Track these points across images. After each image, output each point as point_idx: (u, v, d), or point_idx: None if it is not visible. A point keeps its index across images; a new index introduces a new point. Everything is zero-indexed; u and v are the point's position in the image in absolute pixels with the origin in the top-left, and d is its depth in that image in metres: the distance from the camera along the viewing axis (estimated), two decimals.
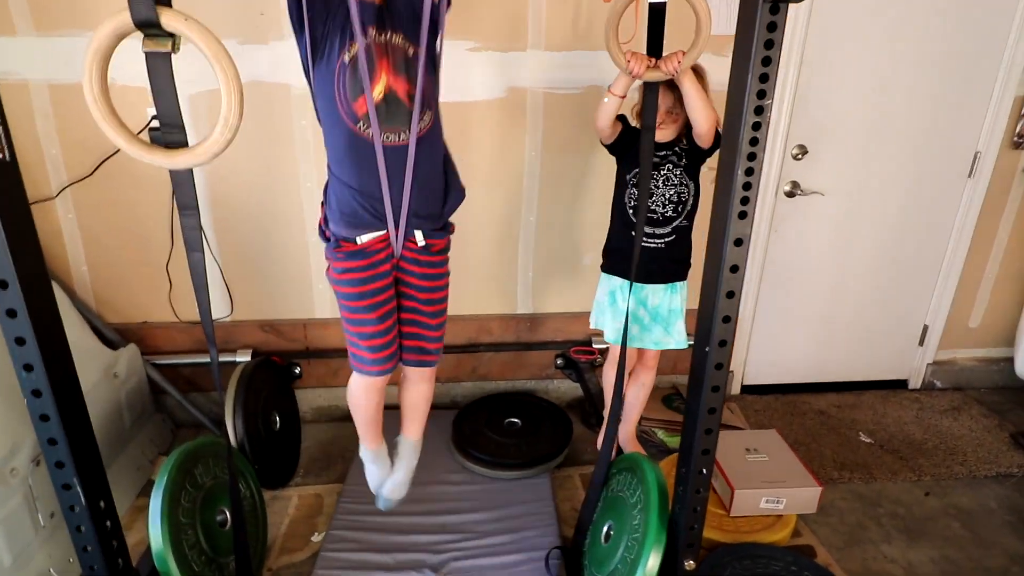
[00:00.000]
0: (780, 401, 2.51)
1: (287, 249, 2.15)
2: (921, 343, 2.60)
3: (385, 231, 1.34)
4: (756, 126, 0.95)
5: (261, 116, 1.97)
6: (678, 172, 1.69)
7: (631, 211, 1.71)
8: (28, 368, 1.03)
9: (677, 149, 1.69)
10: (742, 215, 1.01)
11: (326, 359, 2.27)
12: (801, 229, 2.35)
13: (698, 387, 1.15)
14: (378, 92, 1.22)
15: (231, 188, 2.05)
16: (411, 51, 1.25)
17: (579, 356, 2.30)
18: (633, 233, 1.56)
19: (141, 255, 2.08)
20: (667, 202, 1.70)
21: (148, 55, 0.88)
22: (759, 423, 2.34)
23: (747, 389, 2.57)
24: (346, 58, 1.20)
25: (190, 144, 0.94)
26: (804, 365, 2.58)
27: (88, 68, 0.84)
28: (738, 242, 1.03)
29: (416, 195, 1.31)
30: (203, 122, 1.91)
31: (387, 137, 1.25)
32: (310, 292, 2.21)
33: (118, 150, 1.89)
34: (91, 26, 1.81)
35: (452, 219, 1.46)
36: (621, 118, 1.69)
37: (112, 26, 0.83)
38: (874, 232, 2.39)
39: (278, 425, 2.02)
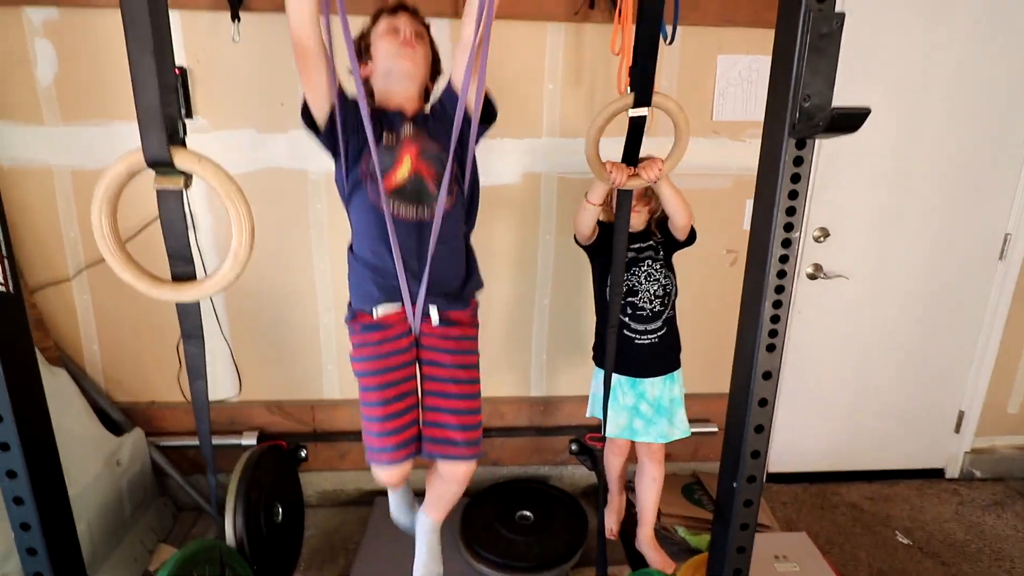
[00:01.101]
0: (809, 492, 2.37)
1: (298, 330, 2.12)
2: (957, 430, 2.46)
3: (402, 305, 1.32)
4: (784, 259, 0.90)
5: (278, 200, 1.98)
6: (658, 266, 1.70)
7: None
8: (11, 475, 0.97)
9: (653, 242, 1.72)
10: (770, 348, 0.95)
11: (333, 442, 2.21)
12: (825, 312, 2.27)
13: (725, 525, 1.06)
14: (402, 173, 1.27)
15: (245, 270, 2.04)
16: (442, 153, 1.31)
17: (594, 443, 2.20)
18: (623, 331, 1.63)
19: (152, 335, 2.07)
20: (653, 297, 1.70)
21: (160, 192, 0.87)
22: (787, 518, 2.20)
23: (773, 477, 2.44)
24: (382, 153, 1.28)
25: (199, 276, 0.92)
26: (833, 452, 2.45)
27: (98, 205, 0.83)
28: (767, 375, 0.97)
29: (435, 271, 1.31)
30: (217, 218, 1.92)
31: (406, 213, 1.28)
32: (319, 373, 2.17)
33: (134, 235, 1.92)
34: (114, 116, 1.85)
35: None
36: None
37: (124, 165, 0.82)
38: (902, 315, 2.30)
39: (280, 517, 1.94)
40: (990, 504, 2.32)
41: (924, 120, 2.10)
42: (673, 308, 1.75)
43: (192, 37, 1.81)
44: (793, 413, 2.37)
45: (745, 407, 1.00)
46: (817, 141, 2.00)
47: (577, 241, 1.74)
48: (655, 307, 1.71)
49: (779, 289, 0.92)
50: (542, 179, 2.03)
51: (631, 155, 1.47)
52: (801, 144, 0.84)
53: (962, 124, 2.11)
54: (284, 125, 1.90)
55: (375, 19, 1.38)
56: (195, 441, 2.14)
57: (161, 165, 0.83)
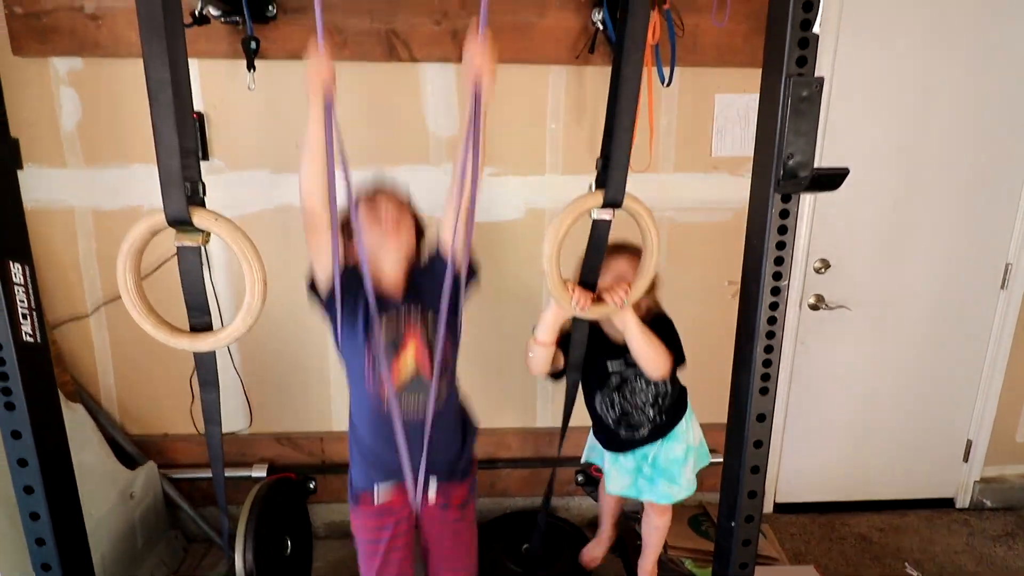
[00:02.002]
0: (817, 522, 2.36)
1: (307, 361, 2.16)
2: (966, 459, 2.45)
3: (402, 482, 1.36)
4: (774, 306, 0.94)
5: (289, 237, 2.03)
6: (644, 383, 1.57)
7: (612, 421, 1.63)
8: (34, 517, 1.02)
9: (630, 357, 1.51)
10: (763, 391, 0.98)
11: (342, 473, 2.23)
12: (829, 342, 2.28)
13: (725, 564, 1.08)
14: (404, 370, 1.28)
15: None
16: (431, 317, 1.31)
17: (600, 474, 2.22)
18: (620, 435, 1.55)
19: (166, 368, 2.12)
20: (645, 406, 1.60)
21: (179, 248, 0.92)
22: (796, 550, 2.19)
23: (781, 508, 2.43)
24: (382, 339, 1.26)
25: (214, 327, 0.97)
26: (841, 481, 2.44)
27: (123, 262, 0.88)
28: (760, 417, 0.99)
29: (433, 457, 1.33)
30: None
31: (408, 406, 1.29)
32: (328, 404, 2.21)
33: (151, 272, 1.98)
34: (133, 159, 1.93)
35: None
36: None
37: (147, 225, 0.88)
38: (905, 344, 2.31)
39: (289, 549, 1.97)
40: (1001, 535, 2.30)
41: (923, 151, 2.13)
42: (671, 396, 1.63)
43: (209, 84, 1.89)
44: (800, 443, 2.37)
45: (740, 448, 1.02)
46: (820, 153, 2.05)
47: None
48: (649, 414, 1.61)
49: (770, 335, 0.95)
50: (545, 214, 2.08)
51: (592, 267, 1.24)
52: (786, 198, 0.89)
53: (961, 155, 2.14)
54: (296, 166, 1.97)
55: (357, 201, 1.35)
56: (206, 474, 2.18)
57: (181, 224, 0.88)
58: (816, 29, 0.85)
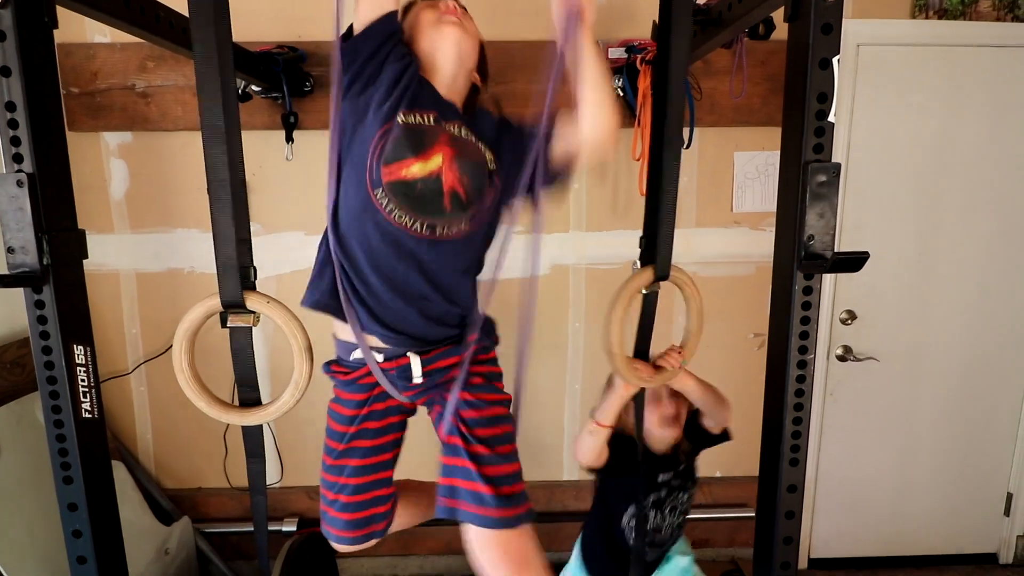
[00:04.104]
0: None
1: None
2: (1007, 513, 2.37)
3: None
4: (801, 379, 0.96)
5: None
6: (686, 497, 1.49)
7: (635, 541, 1.44)
8: None
9: (683, 468, 1.47)
10: (793, 462, 0.99)
11: None
12: (859, 393, 2.26)
13: None
14: (419, 169, 0.99)
15: (288, 359, 2.16)
16: (489, 163, 1.07)
17: None
18: (631, 554, 1.40)
19: (201, 424, 2.16)
20: (675, 527, 1.51)
21: (232, 329, 0.98)
22: None
23: (816, 563, 2.37)
24: (400, 119, 1.00)
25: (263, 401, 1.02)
26: (879, 536, 2.38)
27: (179, 344, 0.94)
28: (791, 488, 1.00)
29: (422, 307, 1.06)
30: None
31: (404, 221, 1.01)
32: None
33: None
34: (177, 224, 2.03)
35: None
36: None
37: (203, 309, 0.94)
38: (938, 396, 2.27)
39: None
40: None
41: (945, 200, 2.14)
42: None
43: (250, 153, 1.96)
44: (835, 495, 2.33)
45: (772, 520, 1.03)
46: (841, 207, 2.05)
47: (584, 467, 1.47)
48: (675, 533, 1.52)
49: (798, 407, 0.97)
50: (570, 270, 2.12)
51: (645, 339, 1.26)
52: (809, 276, 0.92)
53: (983, 203, 2.14)
54: None
55: None
56: (237, 528, 2.21)
57: (235, 308, 0.94)
58: (831, 118, 0.89)
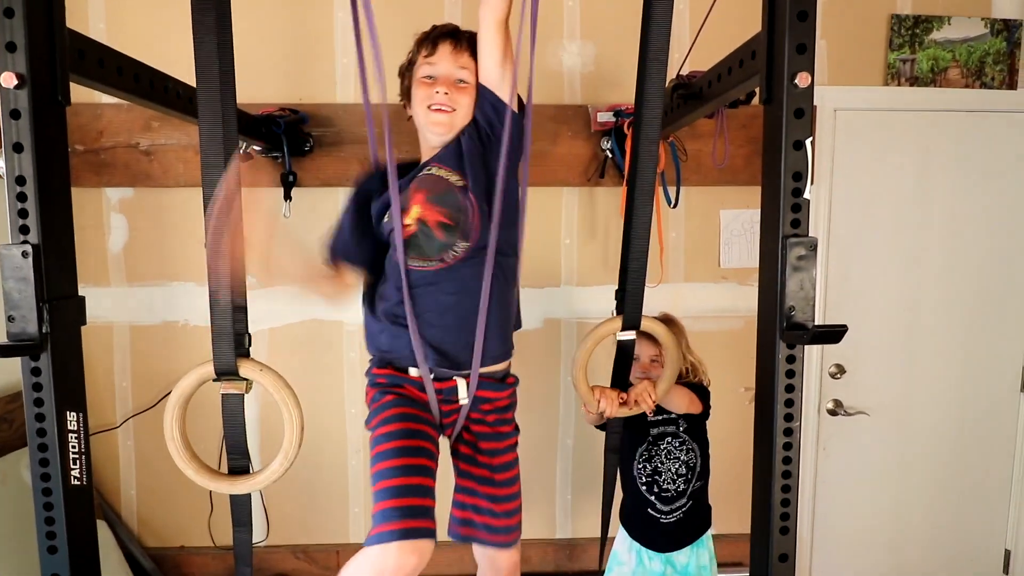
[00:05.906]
0: None
1: (326, 472, 2.18)
2: (1006, 570, 2.34)
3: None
4: (787, 446, 0.97)
5: (314, 348, 2.12)
6: (679, 442, 1.65)
7: (644, 487, 1.67)
8: None
9: (672, 414, 1.65)
10: (784, 530, 0.99)
11: None
12: (851, 447, 2.26)
13: None
14: (411, 223, 1.16)
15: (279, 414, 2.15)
16: (456, 183, 1.18)
17: None
18: (649, 510, 1.60)
19: (187, 480, 2.14)
20: (676, 476, 1.66)
21: (224, 395, 0.99)
22: None
23: None
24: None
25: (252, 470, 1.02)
26: None
27: (171, 412, 0.95)
28: (783, 558, 1.00)
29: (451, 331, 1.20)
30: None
31: (413, 263, 1.18)
32: (345, 515, 2.20)
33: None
34: (172, 277, 2.05)
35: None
36: None
37: (196, 376, 0.95)
38: (930, 450, 2.28)
39: None
40: None
41: (927, 254, 2.19)
42: (703, 478, 1.70)
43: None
44: (830, 550, 2.30)
45: None
46: (826, 261, 2.10)
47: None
48: (679, 486, 1.66)
49: (786, 475, 0.98)
50: (562, 324, 2.15)
51: (621, 379, 1.42)
52: (791, 346, 0.94)
53: (967, 257, 2.19)
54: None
55: (418, 47, 1.21)
56: None
57: (229, 375, 0.96)
58: (807, 195, 0.94)
